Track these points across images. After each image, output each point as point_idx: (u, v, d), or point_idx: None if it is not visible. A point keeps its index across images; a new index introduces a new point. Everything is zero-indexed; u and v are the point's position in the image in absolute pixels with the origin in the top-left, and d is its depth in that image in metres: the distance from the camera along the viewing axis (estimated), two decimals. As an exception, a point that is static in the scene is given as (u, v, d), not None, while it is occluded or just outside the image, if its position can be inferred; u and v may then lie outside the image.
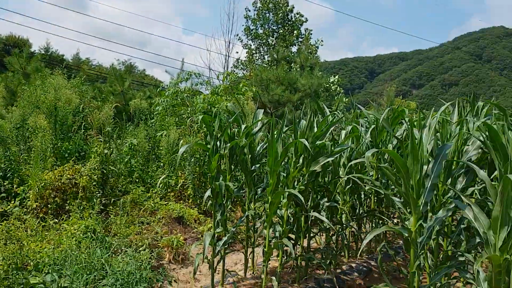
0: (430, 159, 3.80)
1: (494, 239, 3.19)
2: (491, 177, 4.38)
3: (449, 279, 4.53)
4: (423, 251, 3.88)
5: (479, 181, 4.36)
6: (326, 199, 5.25)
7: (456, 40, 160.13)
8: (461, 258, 3.93)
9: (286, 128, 5.34)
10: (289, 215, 4.87)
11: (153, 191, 7.50)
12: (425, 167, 3.54)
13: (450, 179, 4.17)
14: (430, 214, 3.96)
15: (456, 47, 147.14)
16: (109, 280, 4.11)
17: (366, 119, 6.45)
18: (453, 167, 4.20)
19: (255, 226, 5.21)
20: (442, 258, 4.30)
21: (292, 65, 16.91)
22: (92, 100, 10.11)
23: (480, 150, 4.35)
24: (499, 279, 3.19)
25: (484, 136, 3.92)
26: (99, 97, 12.71)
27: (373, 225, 6.51)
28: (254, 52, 22.36)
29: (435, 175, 3.52)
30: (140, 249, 5.20)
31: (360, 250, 4.36)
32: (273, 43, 21.05)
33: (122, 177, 7.45)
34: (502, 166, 3.60)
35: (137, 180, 7.77)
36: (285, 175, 4.68)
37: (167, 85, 10.91)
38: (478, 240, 4.03)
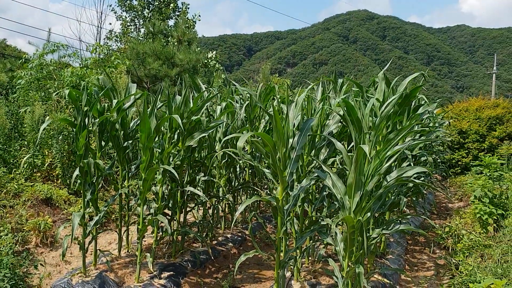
0: (296, 133, 4.07)
1: (349, 203, 3.58)
2: (350, 148, 4.87)
3: (314, 242, 4.97)
4: (289, 218, 4.18)
5: (340, 152, 4.81)
6: (202, 174, 5.33)
7: (326, 21, 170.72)
8: (323, 223, 4.32)
9: (162, 103, 5.26)
10: (165, 191, 4.86)
11: (17, 172, 6.87)
12: (291, 140, 3.79)
13: (314, 151, 4.53)
14: (296, 183, 4.27)
15: (326, 28, 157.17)
16: (-39, 271, 3.71)
17: (241, 95, 6.64)
18: (316, 140, 4.56)
19: (130, 204, 5.10)
20: (307, 223, 4.68)
21: (169, 39, 16.46)
22: None
23: (339, 124, 4.79)
24: (353, 239, 3.60)
25: (343, 111, 4.31)
26: None
27: (248, 196, 6.81)
28: (129, 24, 21.24)
29: (299, 147, 3.79)
30: (2, 234, 4.79)
31: (235, 221, 4.54)
32: (148, 15, 20.19)
33: (-21, 158, 6.69)
34: (357, 138, 4.01)
35: (-3, 161, 7.04)
36: (160, 151, 4.63)
37: (31, 57, 9.87)
38: (337, 205, 4.48)
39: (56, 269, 4.85)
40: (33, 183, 6.65)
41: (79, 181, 4.34)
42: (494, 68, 42.22)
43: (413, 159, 5.87)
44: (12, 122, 7.96)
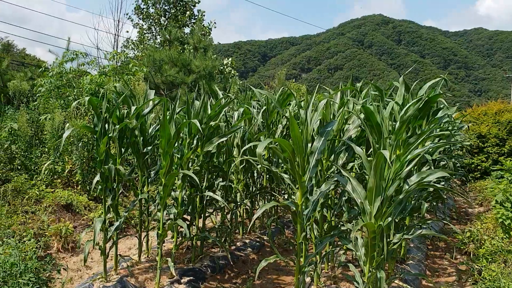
0: (316, 137, 4.06)
1: (370, 208, 3.54)
2: (368, 153, 4.84)
3: (333, 247, 4.94)
4: (309, 223, 4.16)
5: (358, 156, 4.78)
6: (221, 179, 5.35)
7: (341, 26, 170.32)
8: (343, 228, 4.29)
9: (180, 109, 5.31)
10: (184, 196, 4.88)
11: (38, 179, 6.99)
12: (309, 145, 3.78)
13: (333, 156, 4.51)
14: (315, 188, 4.25)
15: (341, 33, 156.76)
16: (-13, 275, 3.77)
17: (258, 101, 6.65)
18: (335, 144, 4.55)
19: (149, 210, 5.14)
20: (326, 228, 4.66)
21: (185, 46, 16.61)
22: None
23: (359, 128, 4.77)
24: (374, 244, 3.57)
25: (363, 115, 4.29)
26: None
27: (266, 201, 6.80)
28: (145, 32, 21.52)
29: (318, 152, 3.78)
30: (25, 239, 4.87)
31: (253, 226, 4.54)
32: (165, 23, 20.43)
33: (2, 164, 6.84)
34: (377, 143, 3.99)
35: (19, 167, 7.18)
36: (179, 156, 4.66)
37: (51, 65, 10.09)
38: (357, 210, 4.44)
39: (77, 274, 4.91)
40: (53, 190, 6.76)
41: (99, 186, 4.39)
42: (513, 71, 41.45)
43: (433, 164, 5.80)
44: (33, 129, 8.12)
